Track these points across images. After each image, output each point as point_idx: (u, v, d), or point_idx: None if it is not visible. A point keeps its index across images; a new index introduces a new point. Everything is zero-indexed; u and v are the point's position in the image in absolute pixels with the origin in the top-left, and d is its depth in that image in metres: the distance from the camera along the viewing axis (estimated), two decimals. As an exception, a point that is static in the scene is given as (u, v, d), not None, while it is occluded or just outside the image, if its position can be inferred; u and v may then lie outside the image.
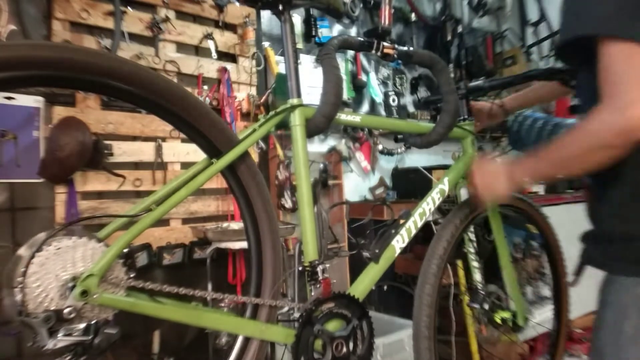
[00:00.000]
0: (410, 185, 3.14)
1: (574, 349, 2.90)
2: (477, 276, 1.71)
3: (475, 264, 1.72)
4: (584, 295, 3.01)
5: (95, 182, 2.10)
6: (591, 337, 1.18)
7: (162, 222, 2.31)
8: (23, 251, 0.84)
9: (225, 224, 2.34)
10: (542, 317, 2.32)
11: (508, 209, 1.79)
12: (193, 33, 2.45)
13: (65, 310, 0.80)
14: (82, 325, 0.81)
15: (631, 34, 0.87)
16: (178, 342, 2.31)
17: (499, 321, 1.67)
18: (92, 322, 0.83)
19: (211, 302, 1.86)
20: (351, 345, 1.18)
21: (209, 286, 2.27)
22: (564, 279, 1.96)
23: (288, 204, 2.56)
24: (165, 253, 2.21)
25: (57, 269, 0.83)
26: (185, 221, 2.38)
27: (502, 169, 1.29)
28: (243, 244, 2.05)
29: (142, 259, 2.11)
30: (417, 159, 3.52)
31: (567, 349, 2.93)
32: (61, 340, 0.78)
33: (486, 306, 1.68)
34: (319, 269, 1.20)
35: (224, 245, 2.12)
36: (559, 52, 1.05)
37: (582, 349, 2.88)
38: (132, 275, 0.93)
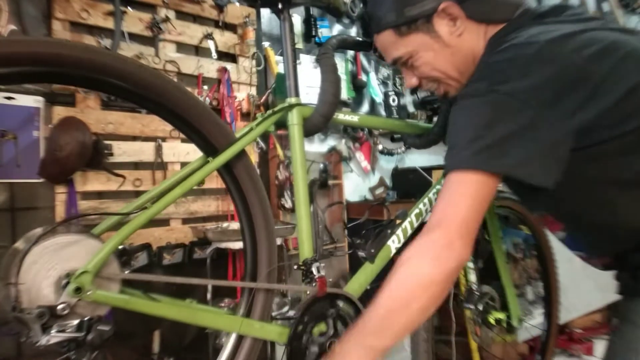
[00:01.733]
0: (410, 186, 3.14)
1: (574, 349, 2.89)
2: (472, 277, 1.72)
3: (470, 264, 1.72)
4: (584, 295, 3.02)
5: (95, 182, 2.11)
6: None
7: (162, 222, 2.31)
8: (20, 244, 0.84)
9: (225, 224, 2.34)
10: (542, 317, 2.32)
11: (503, 209, 1.80)
12: (193, 33, 2.46)
13: (59, 307, 0.81)
14: (75, 322, 0.82)
15: (476, 166, 0.93)
16: (178, 342, 2.31)
17: (492, 322, 1.68)
18: (85, 318, 0.83)
19: (211, 302, 1.87)
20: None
21: (209, 287, 2.27)
22: (555, 280, 1.96)
23: (288, 204, 2.56)
24: (165, 253, 2.21)
25: (51, 265, 0.83)
26: (185, 221, 2.38)
27: None
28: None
29: (142, 259, 2.11)
30: (417, 159, 3.52)
31: (567, 349, 2.93)
32: (54, 336, 0.79)
33: (480, 307, 1.68)
34: (314, 267, 1.20)
35: (224, 245, 2.13)
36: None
37: (582, 349, 2.88)
38: (126, 272, 0.94)
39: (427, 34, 1.15)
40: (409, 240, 1.45)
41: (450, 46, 1.14)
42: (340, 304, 1.22)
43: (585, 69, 0.91)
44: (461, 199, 0.93)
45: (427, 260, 0.92)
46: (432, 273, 0.91)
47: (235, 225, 2.30)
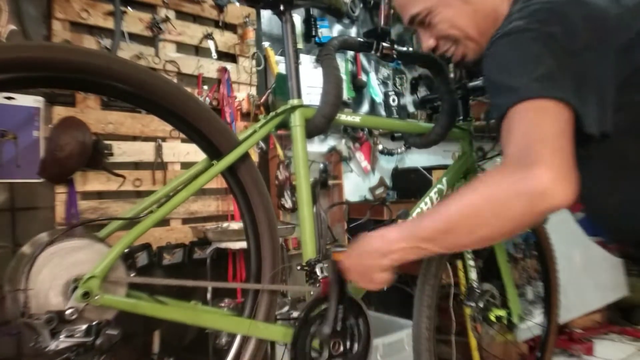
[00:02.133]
0: (410, 185, 3.14)
1: (574, 349, 2.90)
2: (473, 275, 1.72)
3: (471, 262, 1.73)
4: (584, 295, 3.03)
5: (95, 182, 2.10)
6: None
7: (162, 222, 2.30)
8: (26, 249, 0.84)
9: (225, 224, 2.33)
10: (542, 317, 2.32)
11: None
12: (193, 33, 2.45)
13: (67, 312, 0.81)
14: (84, 327, 0.82)
15: (546, 93, 0.82)
16: (178, 342, 2.31)
17: (493, 319, 1.68)
18: (94, 323, 0.83)
19: (211, 302, 1.87)
20: (349, 344, 1.19)
21: (209, 287, 2.27)
22: (555, 278, 1.97)
23: (288, 204, 2.56)
24: (165, 253, 2.21)
25: (59, 270, 0.83)
26: (185, 221, 2.38)
27: (376, 243, 1.00)
28: (243, 244, 2.05)
29: (142, 259, 2.11)
30: (417, 159, 3.52)
31: (567, 349, 2.94)
32: (63, 341, 0.79)
33: (481, 304, 1.69)
34: (318, 267, 1.20)
35: (224, 245, 2.12)
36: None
37: (582, 349, 2.88)
38: (132, 275, 0.94)
39: None
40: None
41: (471, 3, 1.10)
42: (344, 304, 1.22)
43: (625, 17, 0.88)
44: (548, 126, 0.80)
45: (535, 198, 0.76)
46: (518, 201, 0.77)
47: (235, 225, 2.29)
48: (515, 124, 0.82)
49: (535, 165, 0.75)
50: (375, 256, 1.00)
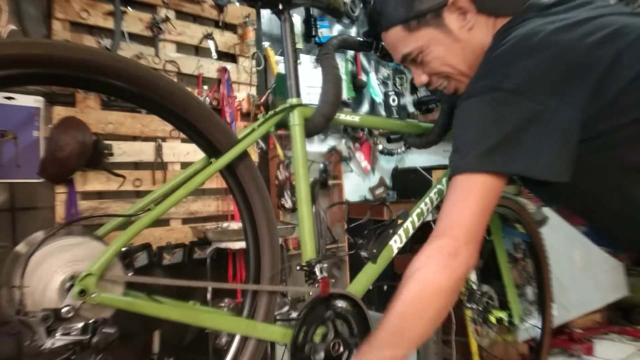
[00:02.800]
0: (410, 185, 3.14)
1: (574, 349, 2.89)
2: (473, 276, 1.72)
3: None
4: (584, 295, 3.03)
5: (95, 182, 2.11)
6: None
7: (162, 222, 2.31)
8: (21, 248, 0.84)
9: (225, 224, 2.33)
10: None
11: (500, 208, 1.80)
12: (193, 33, 2.46)
13: (63, 310, 0.81)
14: (80, 325, 0.82)
15: (483, 168, 0.92)
16: (178, 342, 2.31)
17: (493, 321, 1.68)
18: (90, 321, 0.83)
19: (211, 302, 1.86)
20: (348, 344, 1.18)
21: (209, 287, 2.27)
22: (548, 279, 1.97)
23: (288, 204, 2.56)
24: (165, 253, 2.21)
25: (55, 268, 0.83)
26: (185, 221, 2.38)
27: None
28: (243, 244, 2.05)
29: (142, 259, 2.11)
30: (417, 159, 3.52)
31: (567, 349, 2.93)
32: (59, 339, 0.78)
33: (481, 306, 1.68)
34: (317, 267, 1.20)
35: (224, 245, 2.12)
36: None
37: (582, 349, 2.87)
38: (130, 274, 0.93)
39: (437, 29, 1.13)
40: (410, 240, 1.45)
41: (461, 40, 1.13)
42: (344, 304, 1.22)
43: (591, 55, 0.89)
44: (467, 205, 0.93)
45: (436, 269, 0.92)
46: (441, 281, 0.92)
47: (235, 225, 2.29)
48: (448, 195, 0.96)
49: (456, 256, 0.92)
50: None
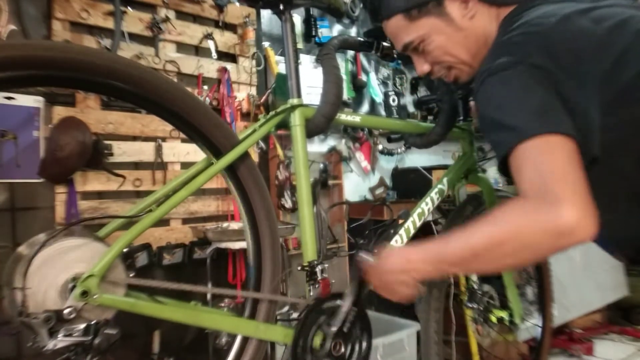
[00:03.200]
0: (410, 185, 3.14)
1: (574, 349, 2.89)
2: (473, 276, 1.72)
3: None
4: (584, 295, 3.03)
5: (95, 182, 2.10)
6: None
7: (162, 222, 2.31)
8: (23, 249, 0.84)
9: (225, 224, 2.33)
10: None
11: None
12: (193, 33, 2.45)
13: (66, 311, 0.81)
14: (82, 326, 0.82)
15: (547, 129, 0.84)
16: (178, 342, 2.31)
17: (494, 320, 1.68)
18: (92, 322, 0.83)
19: (211, 302, 1.87)
20: (349, 344, 1.19)
21: (209, 286, 2.27)
22: (548, 279, 1.97)
23: (288, 204, 2.56)
24: (165, 253, 2.21)
25: (57, 269, 0.83)
26: (185, 221, 2.38)
27: (398, 262, 1.04)
28: (243, 244, 2.05)
29: (142, 259, 2.11)
30: (417, 159, 3.52)
31: (567, 349, 2.94)
32: (61, 340, 0.78)
33: (482, 306, 1.68)
34: (318, 269, 1.20)
35: (224, 245, 2.12)
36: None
37: (582, 349, 2.88)
38: (132, 275, 0.93)
39: (438, 17, 1.12)
40: (411, 239, 1.45)
41: (463, 29, 1.12)
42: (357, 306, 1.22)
43: (606, 39, 0.88)
44: (561, 163, 0.81)
45: (570, 217, 0.78)
46: (563, 226, 0.78)
47: (235, 225, 2.29)
48: (525, 163, 0.84)
49: (559, 204, 0.78)
50: (397, 274, 1.04)
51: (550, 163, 0.82)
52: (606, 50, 0.88)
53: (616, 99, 0.88)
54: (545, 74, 0.88)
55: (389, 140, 2.91)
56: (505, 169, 0.90)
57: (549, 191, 0.79)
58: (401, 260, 1.03)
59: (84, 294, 0.83)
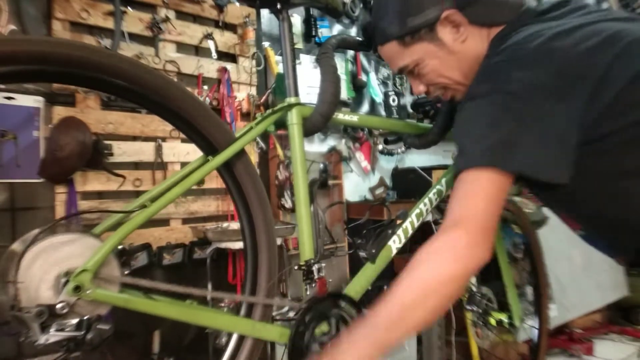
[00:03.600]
0: (410, 185, 3.14)
1: (574, 349, 2.89)
2: (472, 278, 1.71)
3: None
4: (584, 295, 3.02)
5: (95, 182, 2.11)
6: None
7: (162, 222, 2.31)
8: (16, 246, 0.84)
9: (225, 224, 2.34)
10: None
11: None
12: (193, 33, 2.46)
13: (58, 306, 0.81)
14: (75, 321, 0.82)
15: (491, 163, 0.92)
16: (178, 342, 2.31)
17: (494, 323, 1.68)
18: (85, 317, 0.83)
19: (211, 302, 1.86)
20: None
21: (209, 286, 2.28)
22: (544, 280, 1.97)
23: (288, 204, 2.56)
24: (165, 253, 2.21)
25: (50, 264, 0.83)
26: (185, 221, 2.38)
27: None
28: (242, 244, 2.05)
29: (142, 259, 2.11)
30: (417, 159, 3.52)
31: (567, 349, 2.93)
32: (53, 335, 0.78)
33: (481, 309, 1.68)
34: (315, 268, 1.20)
35: (224, 245, 2.13)
36: None
37: (582, 349, 2.87)
38: (126, 272, 0.93)
39: (431, 43, 1.15)
40: (409, 240, 1.45)
41: (455, 52, 1.15)
42: (341, 304, 1.22)
43: (588, 61, 0.90)
44: (477, 198, 0.92)
45: (449, 258, 0.91)
46: (452, 270, 0.90)
47: (235, 225, 2.29)
48: (457, 189, 0.96)
49: (456, 228, 0.92)
50: None
51: (473, 195, 0.93)
52: (587, 72, 0.90)
53: (609, 110, 0.90)
54: (518, 100, 0.92)
55: (386, 142, 2.92)
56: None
57: (456, 218, 0.93)
58: None
59: (77, 288, 0.83)
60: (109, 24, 2.16)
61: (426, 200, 1.54)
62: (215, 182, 2.46)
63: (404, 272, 0.94)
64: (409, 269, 0.94)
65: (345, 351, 0.93)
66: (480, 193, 0.92)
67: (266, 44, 2.78)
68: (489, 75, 1.00)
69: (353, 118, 1.45)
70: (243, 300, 1.18)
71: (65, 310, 0.81)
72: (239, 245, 2.10)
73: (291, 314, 1.21)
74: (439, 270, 0.91)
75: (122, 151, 2.18)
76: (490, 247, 0.92)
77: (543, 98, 0.90)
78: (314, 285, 1.20)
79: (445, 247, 0.92)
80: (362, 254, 1.38)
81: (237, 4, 2.61)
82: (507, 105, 0.92)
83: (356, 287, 1.31)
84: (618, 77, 0.90)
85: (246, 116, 2.60)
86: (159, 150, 2.29)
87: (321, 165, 2.84)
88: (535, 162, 0.91)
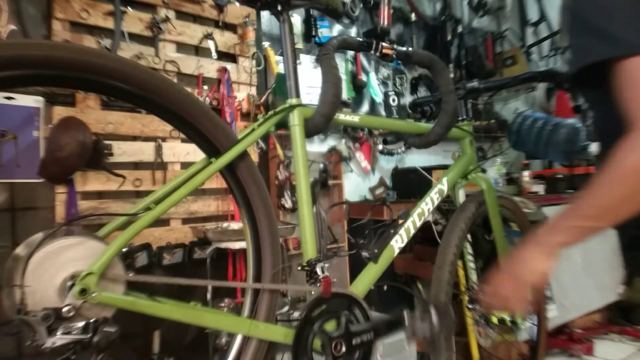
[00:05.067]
0: (410, 185, 3.14)
1: (574, 349, 2.89)
2: (474, 277, 1.72)
3: (472, 265, 1.72)
4: (584, 295, 3.02)
5: (95, 182, 2.10)
6: None
7: (162, 222, 2.31)
8: (21, 250, 0.84)
9: (225, 224, 2.33)
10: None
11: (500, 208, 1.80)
12: (193, 33, 2.46)
13: (64, 309, 0.81)
14: (81, 324, 0.81)
15: None
16: (178, 342, 2.31)
17: (495, 321, 1.68)
18: (91, 320, 0.83)
19: (211, 302, 1.86)
20: (351, 345, 1.18)
21: (209, 287, 2.27)
22: None
23: (288, 204, 2.56)
24: (165, 253, 2.21)
25: (56, 268, 0.83)
26: (185, 221, 2.38)
27: (532, 250, 1.05)
28: (243, 244, 2.05)
29: (142, 259, 2.11)
30: (417, 159, 3.52)
31: (567, 349, 2.93)
32: (60, 338, 0.78)
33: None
34: (318, 267, 1.20)
35: (224, 245, 2.12)
36: (574, 78, 0.91)
37: (582, 349, 2.87)
38: (131, 274, 0.93)
39: None
40: (411, 240, 1.45)
41: None
42: (346, 304, 1.22)
43: None
44: None
45: None
46: None
47: (235, 225, 2.29)
48: (632, 81, 0.80)
49: None
50: (535, 262, 1.05)
51: None
52: None
53: None
54: None
55: (385, 142, 2.92)
56: (578, 80, 0.88)
57: None
58: (540, 248, 1.02)
59: (83, 291, 0.83)
60: (109, 24, 2.15)
61: (428, 199, 1.54)
62: (215, 182, 2.46)
63: (606, 165, 0.86)
64: (615, 160, 0.85)
65: (549, 232, 0.97)
66: None
67: (266, 43, 2.77)
68: None
69: (354, 118, 1.46)
70: (251, 287, 1.17)
71: (71, 314, 0.81)
72: (239, 245, 2.10)
73: (295, 314, 1.21)
74: None
75: (122, 151, 2.18)
76: None
77: None
78: (318, 285, 1.19)
79: None
80: (365, 254, 1.38)
81: (237, 4, 2.61)
82: None
83: (360, 287, 1.32)
84: None
85: (246, 116, 2.59)
86: (159, 150, 2.29)
87: (321, 165, 2.84)
88: None
